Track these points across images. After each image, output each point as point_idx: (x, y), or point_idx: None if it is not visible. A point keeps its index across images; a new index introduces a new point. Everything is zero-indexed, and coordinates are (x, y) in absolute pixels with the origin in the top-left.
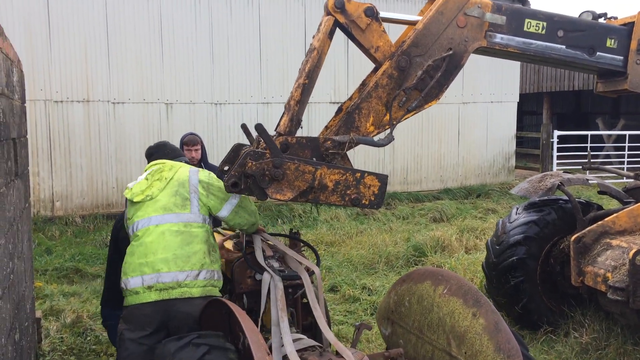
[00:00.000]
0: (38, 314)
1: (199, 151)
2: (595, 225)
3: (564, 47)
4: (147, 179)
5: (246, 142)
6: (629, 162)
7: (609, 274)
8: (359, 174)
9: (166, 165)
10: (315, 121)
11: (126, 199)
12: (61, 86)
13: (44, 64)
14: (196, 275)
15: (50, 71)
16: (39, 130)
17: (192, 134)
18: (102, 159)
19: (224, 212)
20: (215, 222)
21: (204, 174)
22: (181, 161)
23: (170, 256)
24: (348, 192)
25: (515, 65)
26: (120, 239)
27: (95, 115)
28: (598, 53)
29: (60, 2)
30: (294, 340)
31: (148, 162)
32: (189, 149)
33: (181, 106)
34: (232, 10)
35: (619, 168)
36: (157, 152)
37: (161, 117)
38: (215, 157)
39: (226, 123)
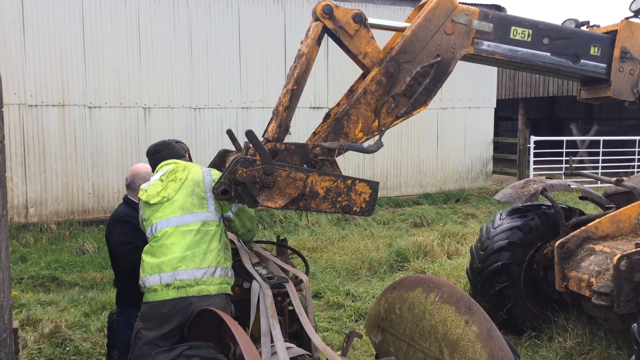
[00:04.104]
0: (15, 324)
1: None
2: (578, 230)
3: (549, 54)
4: (161, 180)
5: (229, 146)
6: (603, 167)
7: (593, 279)
8: (350, 181)
9: (179, 165)
10: (296, 126)
11: (140, 199)
12: (36, 90)
13: (17, 66)
14: (213, 273)
15: (25, 74)
16: (13, 134)
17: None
18: (78, 164)
19: (230, 213)
20: None
21: (217, 174)
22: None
23: (189, 254)
24: (339, 199)
25: (493, 72)
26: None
27: (71, 120)
28: (582, 60)
29: (35, 5)
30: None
31: (150, 161)
32: None
33: (159, 110)
34: (212, 14)
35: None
36: (165, 149)
37: (139, 122)
38: (195, 162)
39: (205, 128)
